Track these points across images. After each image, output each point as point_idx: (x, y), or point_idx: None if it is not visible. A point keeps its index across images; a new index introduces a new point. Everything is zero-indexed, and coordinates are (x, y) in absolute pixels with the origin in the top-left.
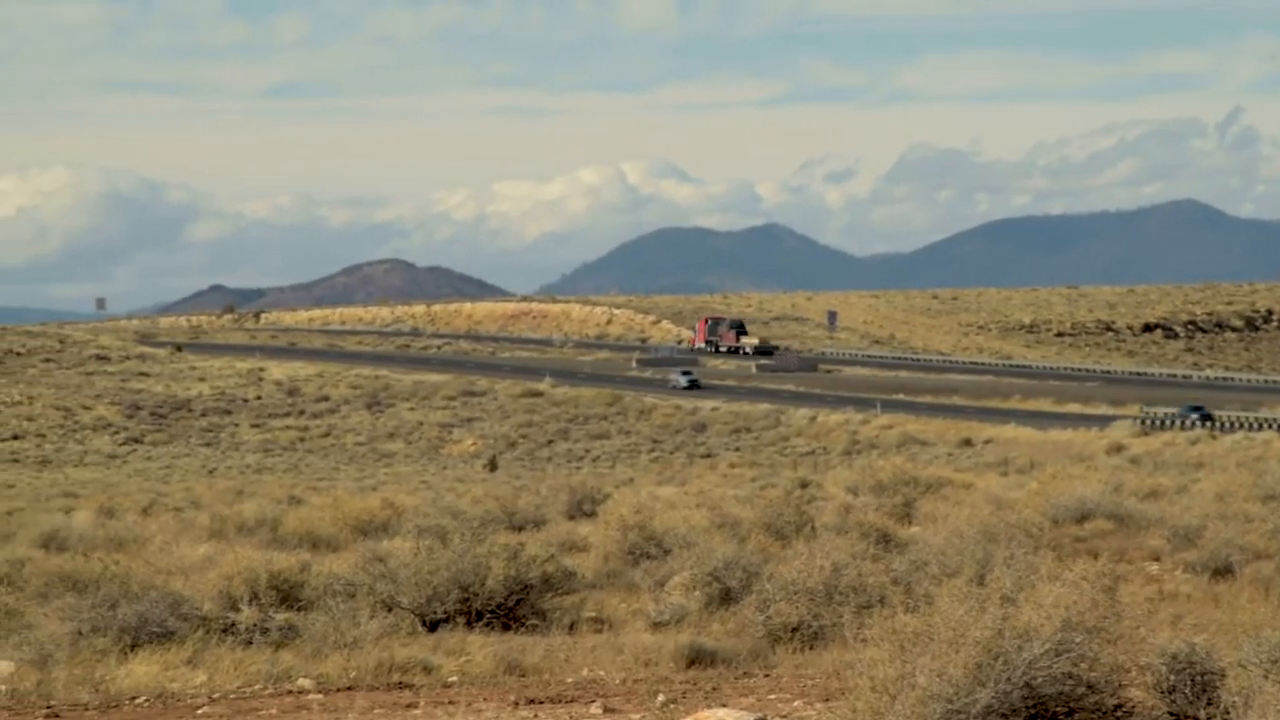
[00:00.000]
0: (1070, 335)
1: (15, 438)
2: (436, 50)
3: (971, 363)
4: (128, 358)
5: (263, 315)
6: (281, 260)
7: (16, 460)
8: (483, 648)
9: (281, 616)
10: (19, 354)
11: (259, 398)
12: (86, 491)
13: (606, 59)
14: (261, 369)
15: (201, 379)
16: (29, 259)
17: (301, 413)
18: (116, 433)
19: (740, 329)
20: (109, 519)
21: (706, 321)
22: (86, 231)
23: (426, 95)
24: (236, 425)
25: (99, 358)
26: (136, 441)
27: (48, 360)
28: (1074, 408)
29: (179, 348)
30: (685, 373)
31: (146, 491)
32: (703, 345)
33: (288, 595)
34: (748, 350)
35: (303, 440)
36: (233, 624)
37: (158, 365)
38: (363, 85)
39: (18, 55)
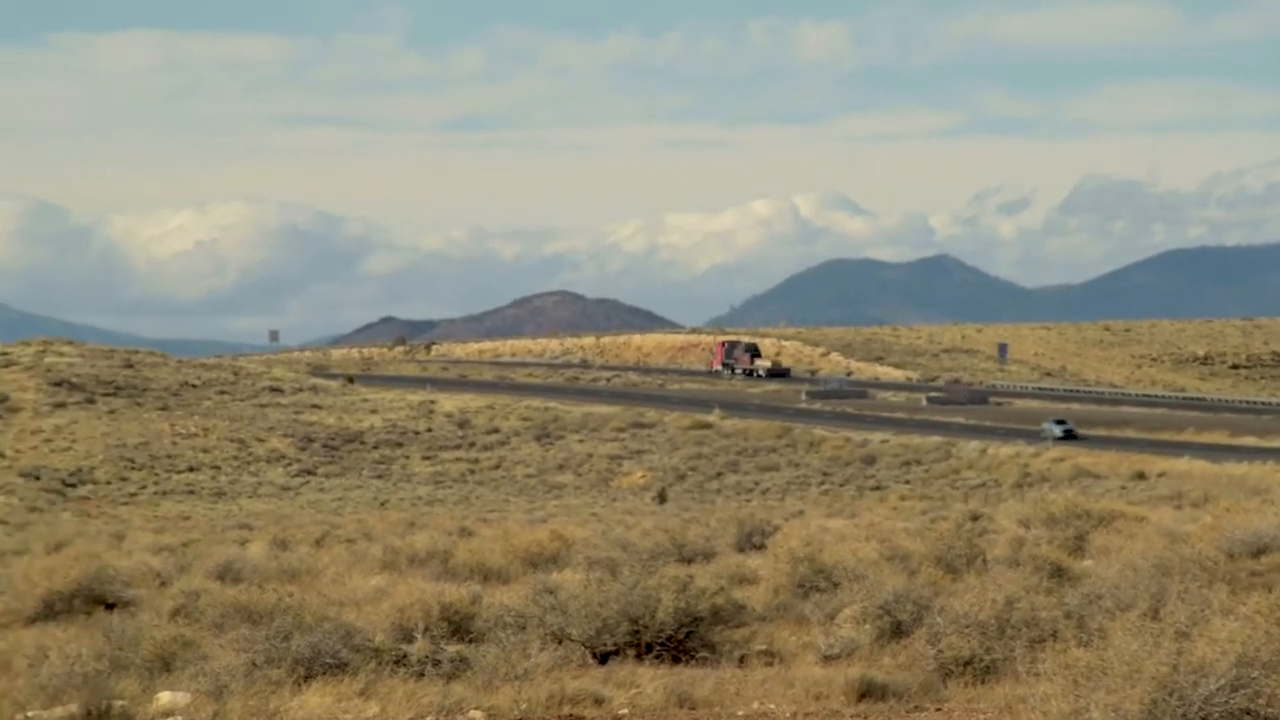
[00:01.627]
0: (1245, 367)
1: (191, 470)
2: (611, 83)
3: (1144, 395)
4: (300, 390)
5: (434, 347)
6: (453, 292)
7: (192, 492)
8: (653, 680)
9: (453, 648)
10: (194, 386)
11: (430, 430)
12: (260, 523)
13: (781, 91)
14: (432, 401)
15: (373, 411)
16: (206, 292)
17: (472, 445)
18: (290, 465)
19: (755, 352)
20: (283, 550)
21: (724, 345)
22: (262, 265)
23: (600, 128)
24: (408, 457)
25: (272, 390)
26: (309, 473)
27: (222, 392)
28: (1250, 440)
29: (351, 380)
30: (1059, 421)
31: (319, 523)
32: (719, 368)
33: (459, 627)
34: (760, 373)
35: (473, 472)
36: (405, 655)
37: (330, 397)
38: (537, 118)
39: (199, 90)
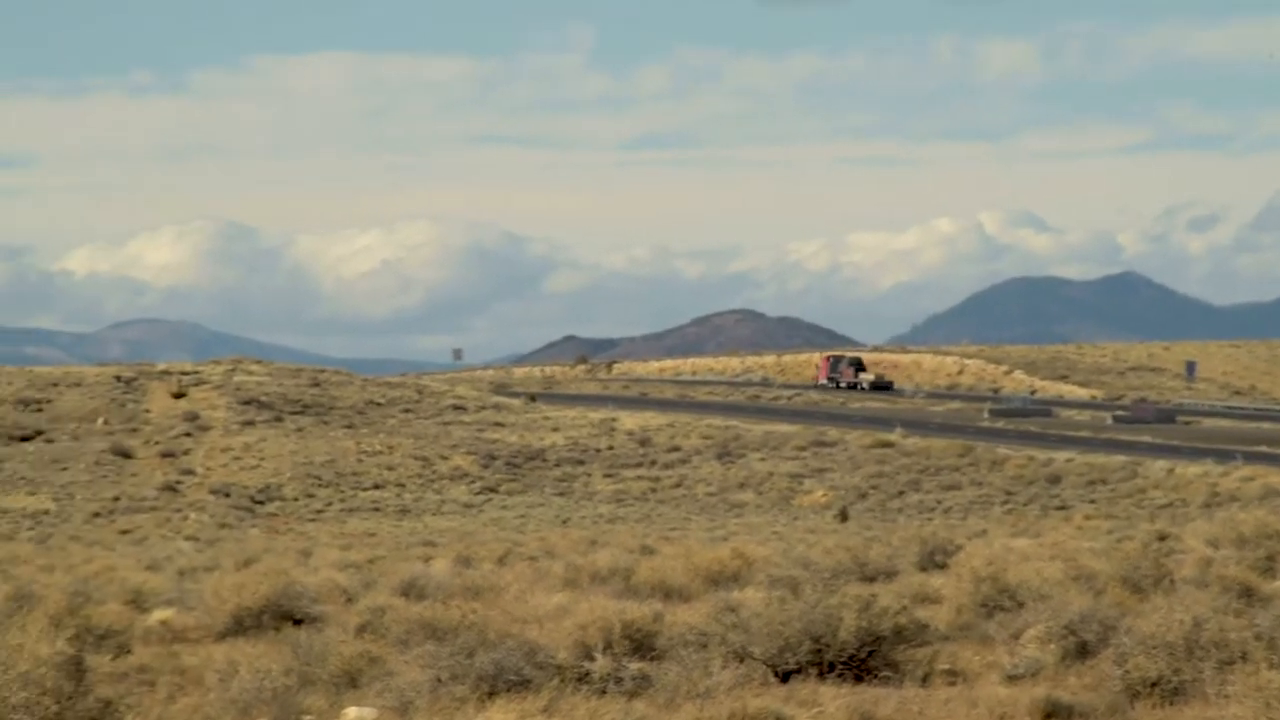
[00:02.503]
0: None
1: (376, 487)
2: (795, 101)
3: None
4: (483, 408)
5: (615, 365)
6: (634, 311)
7: (378, 509)
8: (835, 699)
9: (635, 666)
10: (379, 405)
11: (611, 448)
12: (444, 540)
13: (966, 107)
14: (614, 419)
15: (555, 429)
16: (392, 311)
17: (653, 463)
18: (473, 482)
19: (859, 366)
20: (466, 567)
21: (829, 359)
22: (448, 284)
23: (784, 146)
24: (589, 475)
25: (456, 408)
26: (492, 491)
27: (407, 410)
28: None
29: (533, 398)
30: None
31: (502, 540)
32: (824, 381)
33: (641, 645)
34: (864, 385)
35: (654, 490)
36: (587, 673)
37: (512, 415)
38: (721, 136)
39: (390, 112)
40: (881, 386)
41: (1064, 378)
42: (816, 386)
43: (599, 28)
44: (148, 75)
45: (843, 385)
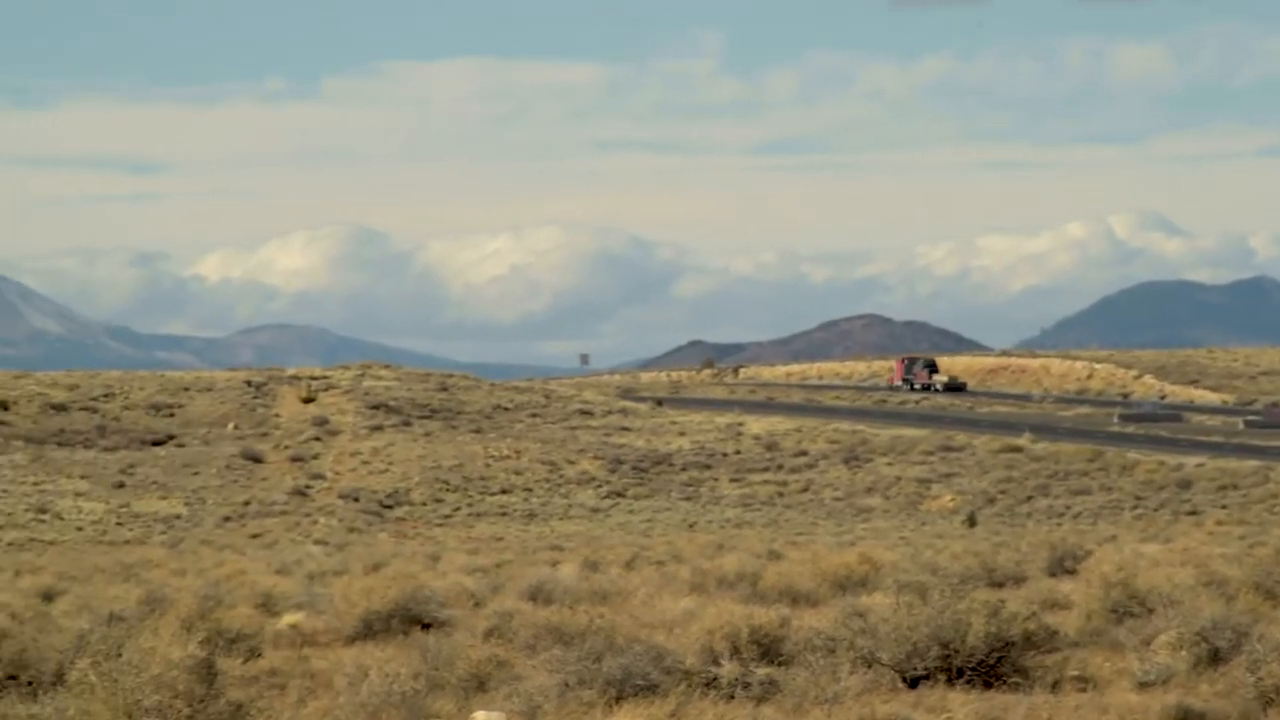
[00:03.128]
0: None
1: (504, 492)
2: (926, 105)
3: None
4: (610, 412)
5: (741, 370)
6: (761, 315)
7: (505, 514)
8: (964, 705)
9: (762, 671)
10: (507, 409)
11: (738, 452)
12: (571, 545)
13: (1098, 111)
14: (740, 424)
15: (681, 433)
16: (520, 316)
17: (780, 467)
18: (599, 486)
19: (933, 368)
20: (593, 572)
21: (903, 361)
22: (576, 289)
23: (914, 150)
24: (716, 480)
25: (583, 412)
26: (619, 495)
27: (534, 415)
28: None
29: (659, 402)
30: None
31: (629, 545)
32: (899, 383)
33: (768, 650)
34: (938, 386)
35: (781, 495)
36: (715, 678)
37: (639, 420)
38: (851, 141)
39: (520, 117)
40: (954, 387)
41: (1194, 382)
42: (892, 388)
43: (729, 32)
44: (281, 82)
45: (916, 387)
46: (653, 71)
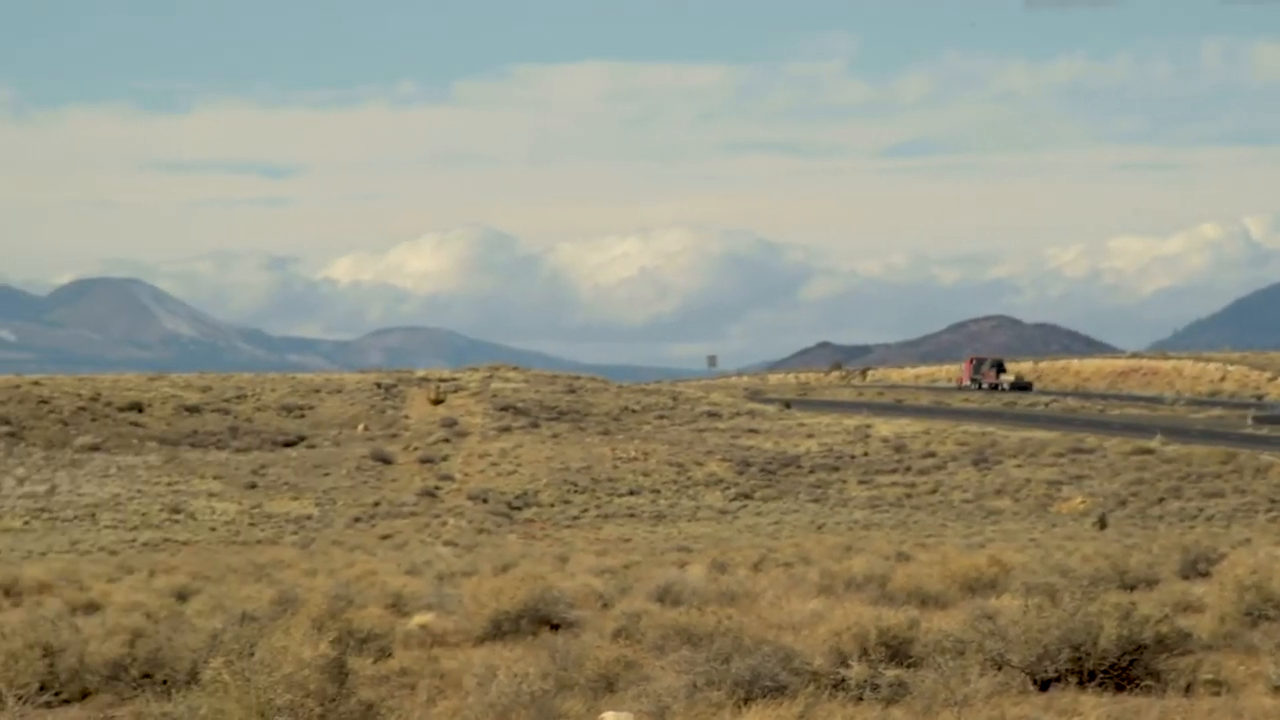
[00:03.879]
0: None
1: (631, 493)
2: (1058, 106)
3: None
4: (738, 414)
5: (869, 372)
6: (889, 317)
7: (633, 515)
8: (1095, 708)
9: (891, 673)
10: (634, 411)
11: (866, 454)
12: (699, 546)
13: (1234, 112)
14: (868, 425)
15: (809, 435)
16: (649, 318)
17: (908, 469)
18: (727, 488)
19: (1000, 367)
20: (721, 573)
21: (972, 361)
22: (704, 292)
23: (1045, 151)
24: (844, 482)
25: (710, 414)
26: (747, 497)
27: (661, 417)
28: None
29: (787, 404)
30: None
31: (757, 547)
32: (968, 383)
33: (897, 651)
34: (1005, 385)
35: (909, 497)
36: (843, 680)
37: (766, 422)
38: (981, 143)
39: (649, 120)
40: (1022, 386)
41: None
42: (960, 387)
43: (860, 34)
44: (413, 85)
45: (984, 386)
46: (782, 73)
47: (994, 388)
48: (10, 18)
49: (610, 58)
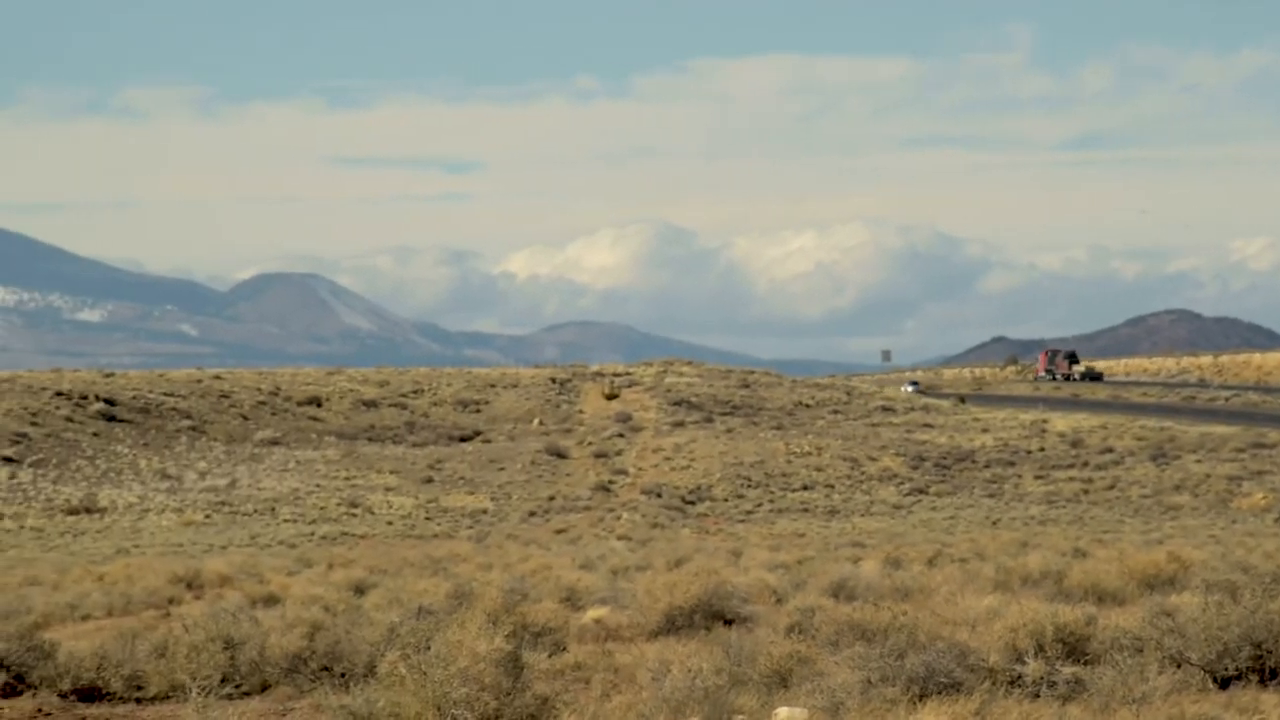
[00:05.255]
0: None
1: (805, 488)
2: (1244, 98)
3: None
4: (912, 409)
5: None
6: (1066, 311)
7: (806, 510)
8: (1276, 706)
9: (1068, 670)
10: (808, 406)
11: (1042, 449)
12: (873, 541)
13: None
14: (1044, 420)
15: (985, 430)
16: (825, 312)
17: (1085, 464)
18: (901, 484)
19: (1073, 359)
20: (895, 569)
21: (1046, 354)
22: (881, 286)
23: (1230, 144)
24: (1020, 477)
25: (884, 409)
26: (921, 492)
27: (835, 412)
28: None
29: (962, 399)
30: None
31: (931, 542)
32: (1043, 374)
33: (1074, 649)
34: (1076, 376)
35: (1086, 492)
36: (1019, 676)
37: (941, 416)
38: (1164, 135)
39: (827, 113)
40: (1093, 376)
41: None
42: (1037, 379)
43: (1041, 26)
44: (592, 80)
45: (1058, 376)
46: (962, 66)
47: (1067, 377)
48: (200, 17)
49: (790, 51)
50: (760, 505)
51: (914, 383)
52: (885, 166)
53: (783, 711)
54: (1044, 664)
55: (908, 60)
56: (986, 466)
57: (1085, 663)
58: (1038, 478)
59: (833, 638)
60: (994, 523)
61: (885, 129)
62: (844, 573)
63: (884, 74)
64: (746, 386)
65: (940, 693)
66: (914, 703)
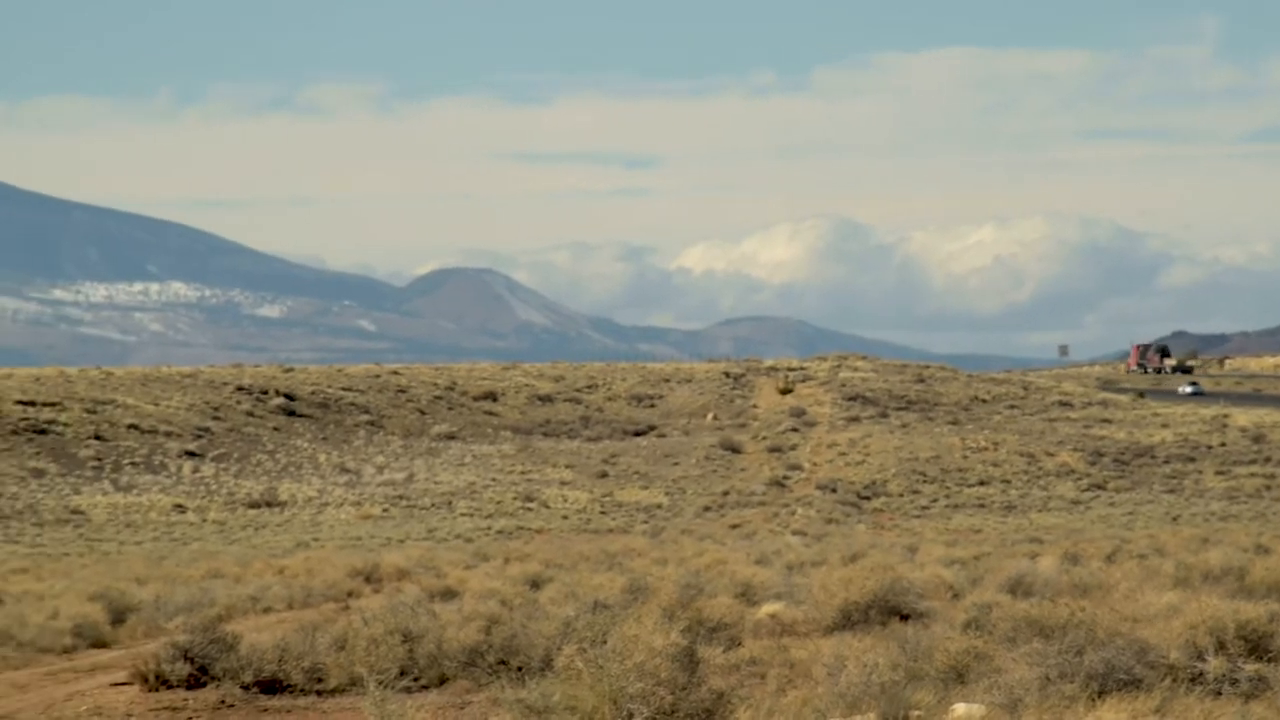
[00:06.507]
0: None
1: (981, 483)
2: None
3: None
4: (1090, 404)
5: (1226, 361)
6: (1250, 306)
7: (982, 505)
8: None
9: (1251, 667)
10: (984, 401)
11: (1223, 444)
12: (1050, 537)
13: None
14: (1226, 415)
15: (1164, 425)
16: (1003, 307)
17: (1267, 460)
18: (1079, 479)
19: (1164, 353)
20: (1073, 565)
21: (1138, 348)
22: (1060, 280)
23: None
24: (1200, 472)
25: (1061, 404)
26: (1099, 488)
27: (1012, 407)
28: None
29: (1141, 394)
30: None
31: (1109, 538)
32: (1135, 368)
33: (1256, 646)
34: (1167, 369)
35: (1269, 488)
36: (1200, 674)
37: (1119, 412)
38: None
39: (1008, 107)
40: (1183, 369)
41: None
42: (1129, 373)
43: (1228, 17)
44: (770, 75)
45: (1149, 370)
46: (1145, 58)
47: (1158, 370)
48: (383, 13)
49: (969, 45)
50: (936, 501)
51: (1194, 384)
52: (1065, 160)
53: (960, 708)
54: (1226, 661)
55: (1089, 53)
56: (1166, 462)
57: (1269, 660)
58: (1219, 473)
59: (1010, 634)
60: (1174, 519)
61: (1065, 122)
62: (1021, 568)
63: (1064, 66)
64: (921, 381)
65: (1120, 689)
66: (1093, 700)
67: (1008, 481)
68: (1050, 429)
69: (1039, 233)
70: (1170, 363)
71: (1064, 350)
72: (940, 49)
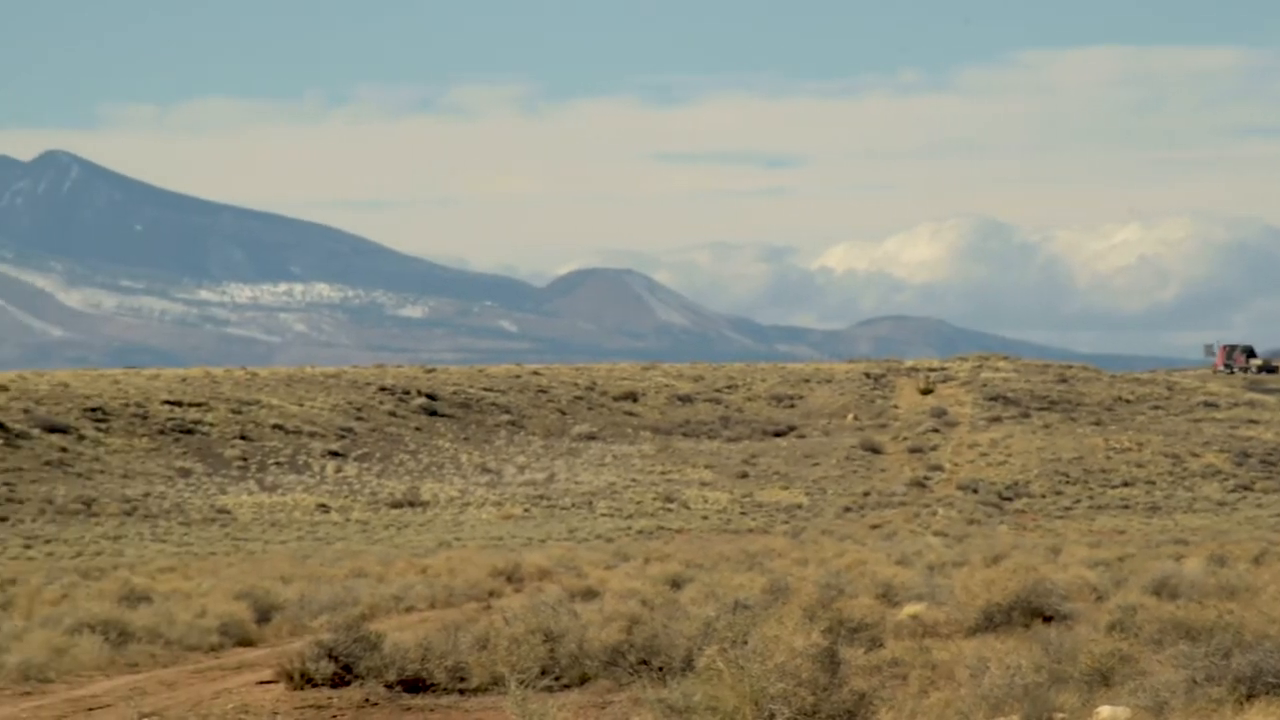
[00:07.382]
0: None
1: (1125, 484)
2: None
3: None
4: (1236, 404)
5: None
6: None
7: (1127, 506)
8: None
9: None
10: (1128, 401)
11: None
12: (1196, 539)
13: None
14: None
15: None
16: (1147, 306)
17: None
18: (1225, 480)
19: (1250, 353)
20: (1220, 567)
21: (1225, 348)
22: (1206, 279)
23: None
24: None
25: (1207, 404)
26: (1246, 489)
27: (1156, 407)
28: None
29: None
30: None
31: (1257, 540)
32: (1222, 368)
33: None
34: (1253, 370)
35: None
36: None
37: (1267, 412)
38: None
39: (1156, 105)
40: (1270, 369)
41: None
42: (1215, 373)
43: None
44: (916, 74)
45: (1235, 370)
46: None
47: (1244, 370)
48: (525, 16)
49: (1119, 43)
50: (1079, 501)
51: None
52: (1214, 158)
53: (1105, 710)
54: None
55: (1240, 50)
56: None
57: None
58: None
59: (1155, 636)
60: None
61: (1215, 120)
62: (1166, 570)
63: (1214, 64)
64: (1064, 381)
65: (1268, 693)
66: (1240, 703)
67: (1152, 482)
68: (1195, 429)
69: (1186, 232)
70: (1256, 363)
71: (1210, 350)
72: (1088, 46)
